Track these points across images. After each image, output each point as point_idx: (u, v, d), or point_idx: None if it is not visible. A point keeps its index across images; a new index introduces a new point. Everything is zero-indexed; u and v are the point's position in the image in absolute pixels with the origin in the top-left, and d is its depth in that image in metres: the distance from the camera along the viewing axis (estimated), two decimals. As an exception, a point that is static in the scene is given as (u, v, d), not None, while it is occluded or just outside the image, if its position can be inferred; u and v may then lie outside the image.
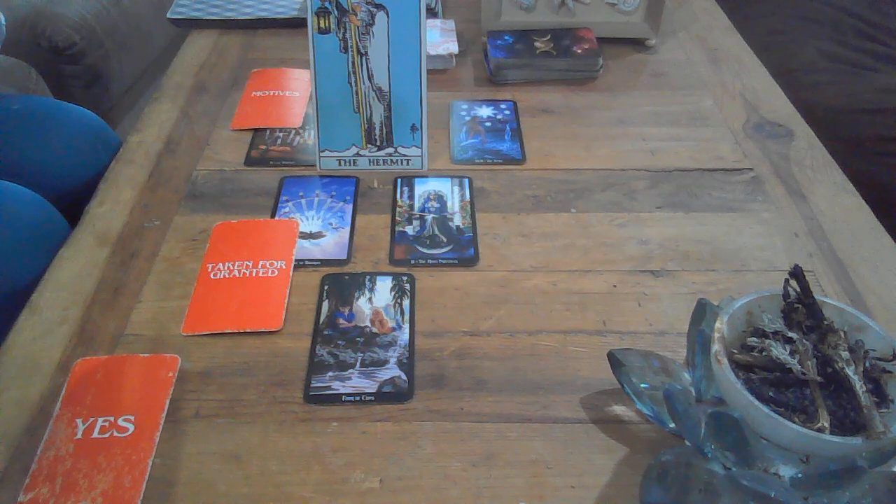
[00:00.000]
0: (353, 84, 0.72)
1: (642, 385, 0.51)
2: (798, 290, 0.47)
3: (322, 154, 0.75)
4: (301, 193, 0.73)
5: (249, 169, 0.77)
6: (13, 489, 0.48)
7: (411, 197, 0.73)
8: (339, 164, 0.76)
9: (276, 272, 0.64)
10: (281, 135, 0.82)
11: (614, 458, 0.50)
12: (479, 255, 0.66)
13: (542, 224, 0.70)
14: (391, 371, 0.56)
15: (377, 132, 0.74)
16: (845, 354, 0.44)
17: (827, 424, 0.42)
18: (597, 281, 0.64)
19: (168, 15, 1.03)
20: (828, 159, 0.79)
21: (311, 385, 0.55)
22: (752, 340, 0.46)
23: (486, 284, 0.64)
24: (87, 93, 1.45)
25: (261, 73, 0.92)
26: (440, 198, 0.73)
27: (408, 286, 0.63)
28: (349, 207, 0.72)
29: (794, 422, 0.41)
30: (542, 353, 0.58)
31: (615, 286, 0.63)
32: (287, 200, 0.72)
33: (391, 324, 0.60)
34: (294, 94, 0.88)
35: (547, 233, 0.69)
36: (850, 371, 0.43)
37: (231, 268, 0.64)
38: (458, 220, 0.70)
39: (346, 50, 0.71)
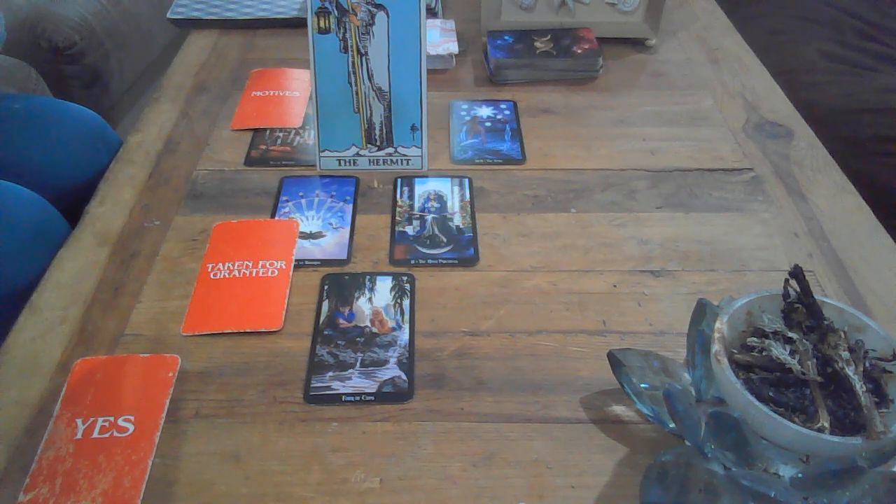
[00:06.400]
0: (353, 84, 0.72)
1: (642, 385, 0.51)
2: (798, 290, 0.47)
3: (322, 154, 0.75)
4: (301, 193, 0.73)
5: (249, 169, 0.77)
6: (13, 489, 0.48)
7: (411, 197, 0.73)
8: (339, 164, 0.76)
9: (276, 272, 0.64)
10: (281, 135, 0.82)
11: (614, 458, 0.50)
12: (479, 255, 0.66)
13: (542, 224, 0.70)
14: (391, 371, 0.56)
15: (377, 132, 0.74)
16: (845, 354, 0.44)
17: (827, 424, 0.42)
18: (597, 281, 0.64)
19: (168, 15, 1.03)
20: (828, 159, 0.79)
21: (311, 385, 0.55)
22: (752, 340, 0.46)
23: (486, 284, 0.64)
24: (87, 93, 1.45)
25: (261, 73, 0.92)
26: (440, 198, 0.73)
27: (408, 286, 0.63)
28: (349, 207, 0.71)
29: (794, 422, 0.41)
30: (542, 353, 0.58)
31: (615, 286, 0.63)
32: (287, 200, 0.72)
33: (391, 324, 0.60)
34: (294, 94, 0.88)
35: (547, 233, 0.69)
36: (850, 371, 0.43)
37: (231, 268, 0.64)
38: (458, 220, 0.70)
39: (346, 50, 0.71)
